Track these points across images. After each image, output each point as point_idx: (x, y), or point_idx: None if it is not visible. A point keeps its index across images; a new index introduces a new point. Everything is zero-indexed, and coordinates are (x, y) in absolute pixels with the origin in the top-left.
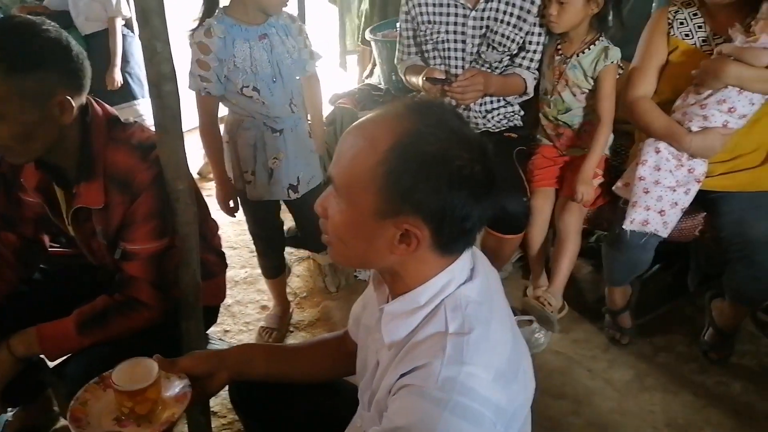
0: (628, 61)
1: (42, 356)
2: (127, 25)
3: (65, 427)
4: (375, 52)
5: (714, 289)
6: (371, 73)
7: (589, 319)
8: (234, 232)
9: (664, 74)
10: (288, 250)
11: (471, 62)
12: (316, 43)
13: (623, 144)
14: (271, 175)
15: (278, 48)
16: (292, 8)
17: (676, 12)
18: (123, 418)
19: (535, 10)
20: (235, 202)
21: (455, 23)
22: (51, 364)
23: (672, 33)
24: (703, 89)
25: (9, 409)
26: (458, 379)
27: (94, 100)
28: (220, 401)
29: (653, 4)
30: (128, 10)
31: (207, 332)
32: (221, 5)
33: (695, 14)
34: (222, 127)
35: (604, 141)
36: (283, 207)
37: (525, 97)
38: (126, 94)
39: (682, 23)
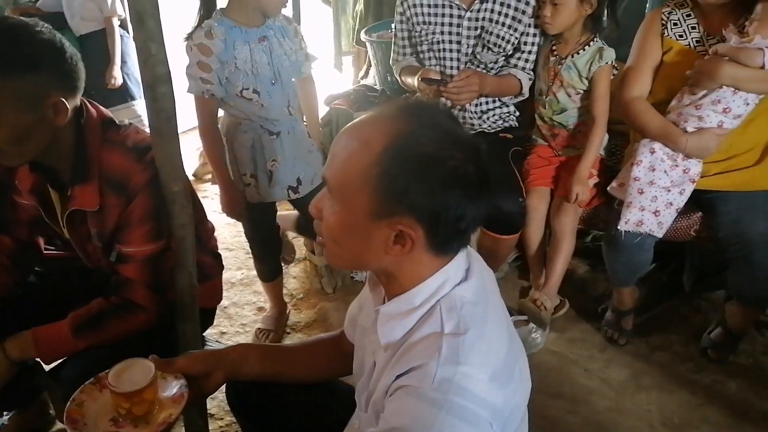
0: (622, 61)
1: (37, 359)
2: (122, 25)
3: (62, 430)
4: (370, 53)
5: (711, 287)
6: (366, 74)
7: (585, 318)
8: (230, 233)
9: (659, 75)
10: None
11: (466, 63)
12: (311, 44)
13: (618, 144)
14: (270, 177)
15: (277, 50)
16: (287, 9)
17: (669, 13)
18: (120, 419)
19: (529, 10)
20: (243, 207)
21: (450, 24)
22: (47, 368)
23: (666, 34)
24: (698, 90)
25: (5, 413)
26: (454, 379)
27: (89, 101)
28: (217, 403)
29: (647, 5)
30: (123, 11)
31: (203, 334)
32: (219, 7)
33: (689, 15)
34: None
35: (598, 141)
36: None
37: (520, 98)
38: (123, 94)
39: (675, 24)
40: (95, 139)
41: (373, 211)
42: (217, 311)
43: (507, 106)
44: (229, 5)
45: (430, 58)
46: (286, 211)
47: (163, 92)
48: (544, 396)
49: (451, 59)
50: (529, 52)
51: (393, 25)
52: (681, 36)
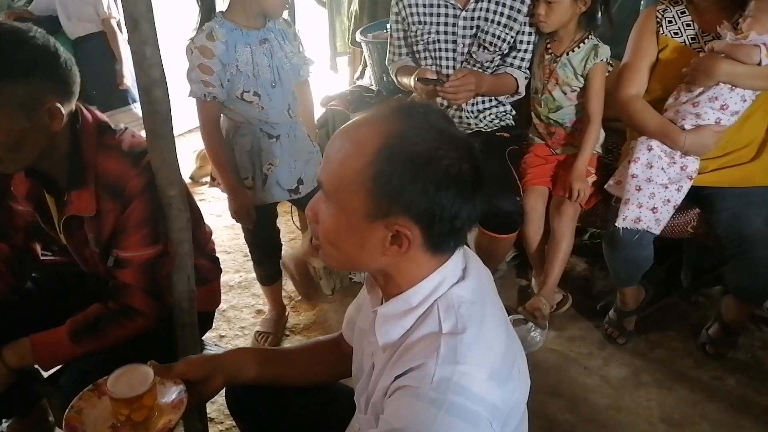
0: (618, 59)
1: (36, 366)
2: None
3: None
4: (366, 54)
5: (709, 283)
6: (362, 75)
7: (584, 316)
8: (228, 236)
9: (655, 73)
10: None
11: (462, 62)
12: (306, 45)
13: (615, 141)
14: (265, 180)
15: (278, 53)
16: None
17: (664, 10)
18: (119, 425)
19: (525, 9)
20: (252, 210)
21: (446, 23)
22: (45, 374)
23: (661, 31)
24: (695, 87)
25: (4, 420)
26: (453, 378)
27: (84, 106)
28: (217, 407)
29: (642, 2)
30: (117, 13)
31: (202, 338)
32: (218, 10)
33: (683, 12)
34: None
35: (594, 138)
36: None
37: (516, 97)
38: (124, 97)
39: (670, 21)
40: (91, 144)
41: (369, 212)
42: (216, 314)
43: (503, 105)
44: (230, 8)
45: (425, 58)
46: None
47: (159, 95)
48: (543, 394)
49: (447, 59)
50: (525, 51)
51: (388, 26)
52: (676, 33)
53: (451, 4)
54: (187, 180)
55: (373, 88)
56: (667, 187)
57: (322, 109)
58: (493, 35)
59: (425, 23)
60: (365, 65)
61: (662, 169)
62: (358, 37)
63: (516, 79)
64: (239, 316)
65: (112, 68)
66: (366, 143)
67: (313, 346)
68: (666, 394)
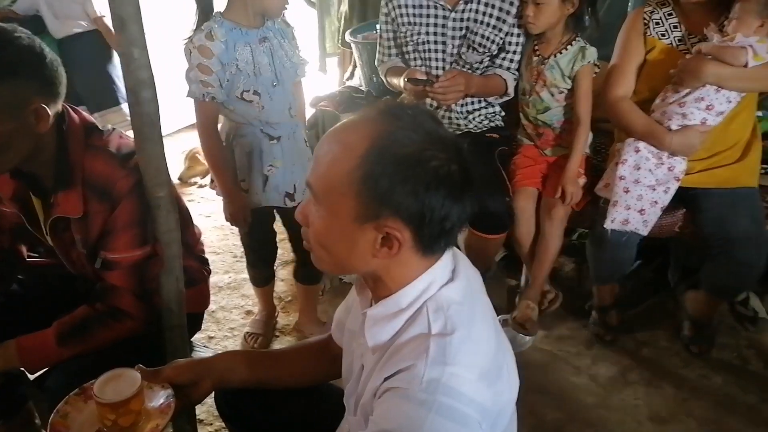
0: (605, 61)
1: (22, 369)
2: None
3: None
4: (355, 55)
5: (689, 282)
6: (352, 75)
7: (572, 316)
8: (217, 237)
9: (642, 74)
10: None
11: (451, 63)
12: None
13: (603, 142)
14: (266, 181)
15: (278, 52)
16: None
17: (651, 12)
18: (105, 430)
19: (514, 11)
20: (247, 213)
21: (435, 24)
22: (31, 377)
23: (648, 33)
24: (682, 88)
25: None
26: (442, 380)
27: (71, 107)
28: (206, 409)
29: (629, 4)
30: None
31: (191, 339)
32: (216, 10)
33: (670, 14)
34: None
35: (583, 141)
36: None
37: (506, 98)
38: (113, 97)
39: (658, 23)
40: (78, 145)
41: (359, 214)
42: (205, 316)
43: (493, 106)
44: (229, 7)
45: (415, 59)
46: None
47: (147, 96)
48: (532, 393)
49: (437, 60)
50: (514, 52)
51: (378, 26)
52: (663, 35)
53: (441, 5)
54: (175, 181)
55: (363, 88)
56: (654, 189)
57: (312, 110)
58: (482, 36)
59: (414, 24)
60: (355, 66)
61: (650, 170)
62: (348, 37)
63: (505, 80)
64: (228, 317)
65: (100, 68)
66: (354, 145)
67: (302, 347)
68: (653, 393)
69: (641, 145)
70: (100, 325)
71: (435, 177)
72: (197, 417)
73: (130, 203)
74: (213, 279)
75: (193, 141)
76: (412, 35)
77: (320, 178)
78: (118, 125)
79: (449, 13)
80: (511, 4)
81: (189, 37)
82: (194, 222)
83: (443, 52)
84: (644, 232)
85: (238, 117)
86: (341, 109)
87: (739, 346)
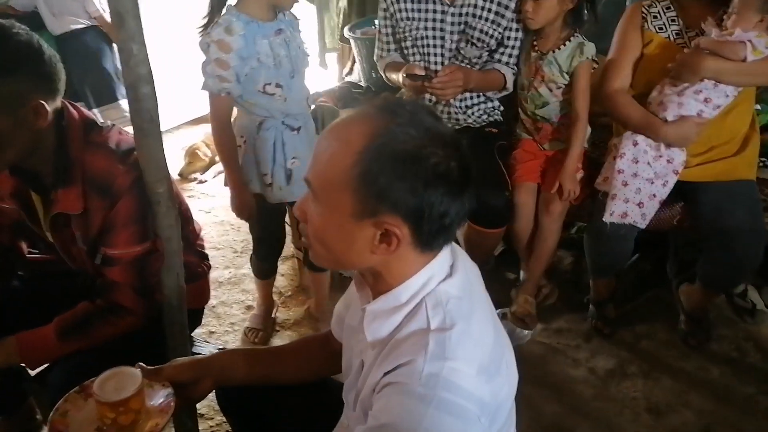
0: (603, 55)
1: (23, 365)
2: None
3: None
4: (354, 50)
5: (683, 276)
6: (351, 71)
7: (571, 309)
8: (217, 232)
9: (639, 67)
10: None
11: (450, 58)
12: None
13: (601, 137)
14: (290, 176)
15: (293, 43)
16: None
17: (649, 6)
18: (105, 429)
19: (512, 6)
20: (253, 209)
21: (434, 19)
22: (33, 372)
23: (646, 27)
24: (680, 83)
25: None
26: (441, 374)
27: (70, 103)
28: (207, 403)
29: None
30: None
31: (192, 334)
32: (227, 4)
33: (668, 8)
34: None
35: (582, 136)
36: None
37: (504, 93)
38: (112, 93)
39: (655, 17)
40: (77, 141)
41: (357, 211)
42: (206, 311)
43: (491, 101)
44: (242, 0)
45: (414, 54)
46: None
47: (146, 92)
48: (531, 386)
49: (435, 55)
50: (513, 47)
51: (376, 22)
52: (661, 29)
53: (439, 0)
54: (175, 177)
55: (362, 84)
56: (653, 182)
57: (312, 105)
58: (481, 31)
59: (413, 19)
60: (354, 61)
61: (648, 163)
62: (347, 33)
63: (504, 75)
64: (229, 312)
65: (98, 64)
66: (352, 141)
67: (301, 344)
68: (652, 385)
69: (639, 138)
70: (101, 320)
71: (434, 174)
72: (198, 412)
73: (130, 199)
74: (213, 274)
75: (193, 137)
76: (410, 30)
77: (318, 175)
78: (117, 121)
79: (448, 8)
80: None
81: (206, 31)
82: (194, 218)
83: (442, 47)
84: (642, 225)
85: (261, 111)
86: (340, 105)
87: (737, 338)
